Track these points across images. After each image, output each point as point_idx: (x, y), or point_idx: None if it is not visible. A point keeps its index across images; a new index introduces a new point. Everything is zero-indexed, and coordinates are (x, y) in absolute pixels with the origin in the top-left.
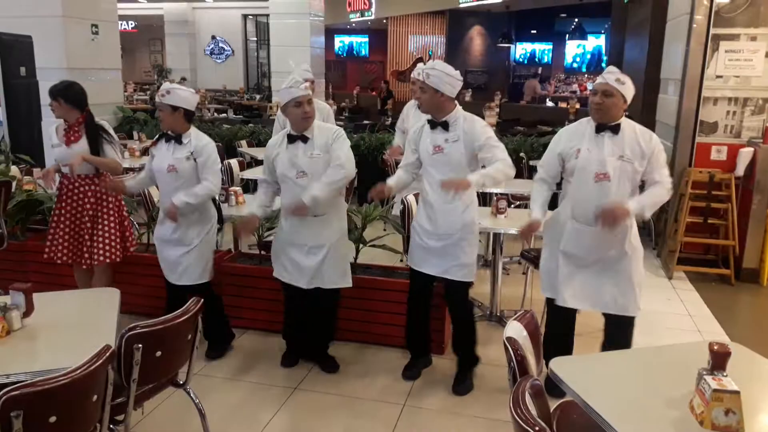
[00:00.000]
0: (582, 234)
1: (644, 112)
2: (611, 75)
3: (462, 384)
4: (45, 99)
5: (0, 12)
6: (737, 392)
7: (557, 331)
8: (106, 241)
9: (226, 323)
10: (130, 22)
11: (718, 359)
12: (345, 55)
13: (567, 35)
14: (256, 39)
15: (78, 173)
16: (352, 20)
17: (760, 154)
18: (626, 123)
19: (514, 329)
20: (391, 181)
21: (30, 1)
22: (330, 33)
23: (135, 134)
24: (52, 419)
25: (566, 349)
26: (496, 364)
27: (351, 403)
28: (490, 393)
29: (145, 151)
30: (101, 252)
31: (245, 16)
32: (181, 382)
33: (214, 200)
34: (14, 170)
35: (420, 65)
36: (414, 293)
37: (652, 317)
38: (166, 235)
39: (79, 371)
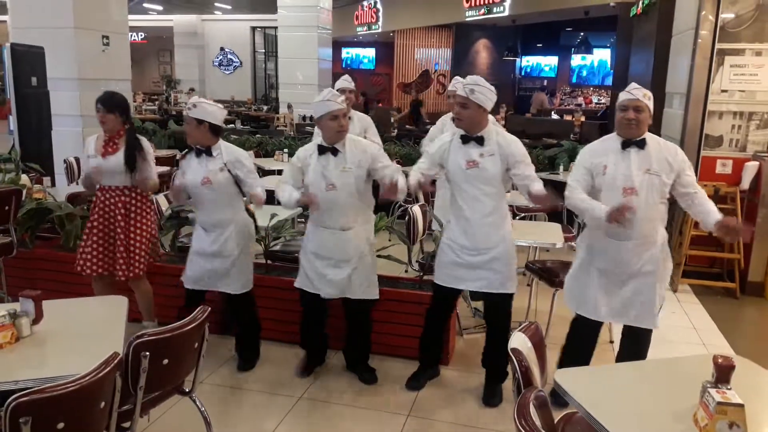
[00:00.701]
0: (616, 249)
1: (649, 125)
2: (639, 91)
3: (494, 396)
4: (56, 109)
5: (13, 23)
6: (741, 405)
7: (581, 344)
8: (142, 252)
9: (258, 335)
10: (140, 34)
11: (723, 372)
12: (352, 67)
13: (573, 49)
14: (264, 51)
15: (110, 184)
16: (359, 33)
17: (765, 168)
18: (650, 137)
19: (519, 340)
20: (413, 179)
21: (43, 12)
22: (337, 45)
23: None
24: (60, 425)
25: (588, 361)
26: None
27: (355, 412)
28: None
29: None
30: (137, 264)
31: (254, 29)
32: (187, 390)
33: (250, 212)
34: (24, 179)
35: (458, 78)
36: (437, 308)
37: (656, 330)
38: (205, 247)
39: (87, 378)
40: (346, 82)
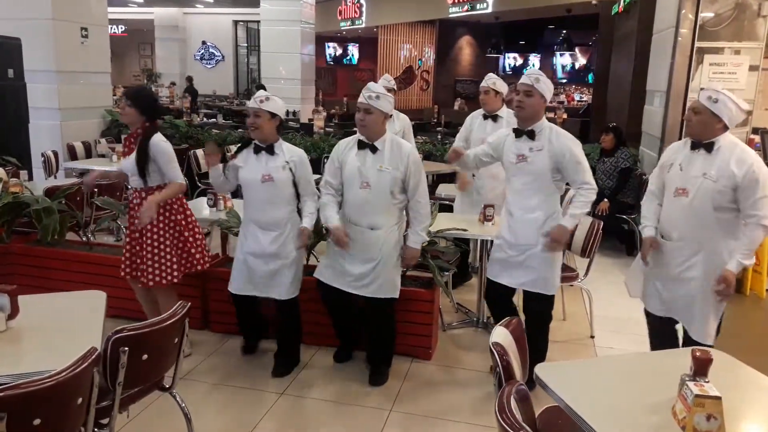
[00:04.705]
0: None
1: (630, 122)
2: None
3: None
4: (33, 101)
5: None
6: (719, 398)
7: (651, 330)
8: (163, 261)
9: (299, 341)
10: (120, 26)
11: (700, 365)
12: (335, 62)
13: (555, 46)
14: (246, 45)
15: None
16: (342, 28)
17: None
18: (725, 142)
19: (500, 335)
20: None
21: (19, 3)
22: (320, 40)
23: (123, 138)
24: (36, 422)
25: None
26: (481, 370)
27: (337, 408)
28: (475, 399)
29: None
30: (157, 273)
31: (236, 22)
32: (167, 386)
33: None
34: (1, 172)
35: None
36: (492, 303)
37: (636, 324)
38: (264, 249)
39: (64, 374)
40: (386, 81)
